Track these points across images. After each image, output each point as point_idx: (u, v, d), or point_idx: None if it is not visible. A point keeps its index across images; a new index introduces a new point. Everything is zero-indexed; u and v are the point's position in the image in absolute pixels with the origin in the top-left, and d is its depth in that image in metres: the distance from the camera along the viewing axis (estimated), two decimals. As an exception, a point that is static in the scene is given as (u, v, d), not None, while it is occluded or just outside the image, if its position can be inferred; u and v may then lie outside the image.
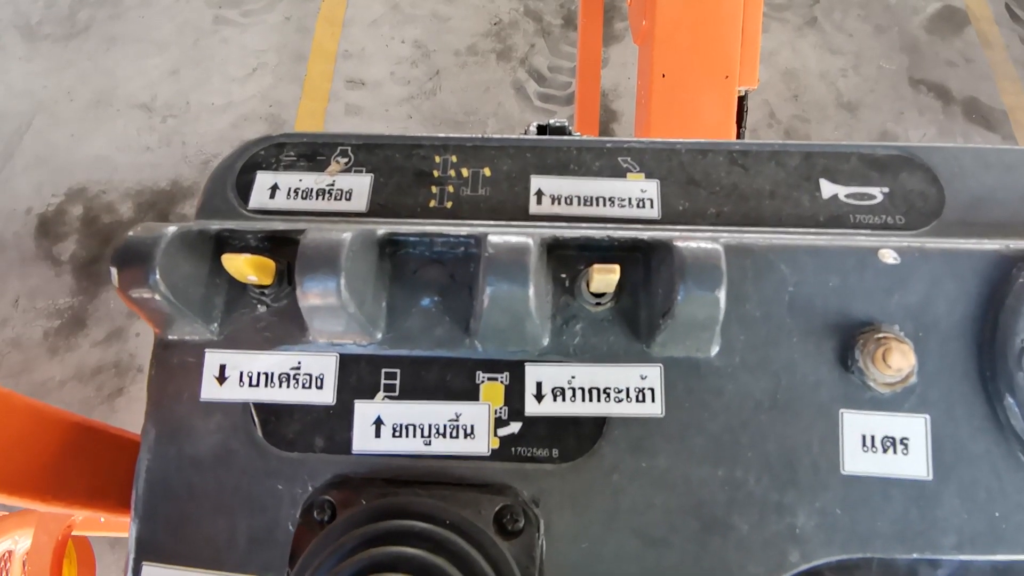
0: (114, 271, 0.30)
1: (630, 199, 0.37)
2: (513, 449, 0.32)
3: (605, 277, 0.29)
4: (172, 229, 0.31)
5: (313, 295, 0.30)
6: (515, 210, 0.37)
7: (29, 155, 2.54)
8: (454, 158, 0.38)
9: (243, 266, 0.30)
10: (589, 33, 1.73)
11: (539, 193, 0.37)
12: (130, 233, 0.31)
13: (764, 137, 2.32)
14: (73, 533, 0.99)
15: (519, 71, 2.57)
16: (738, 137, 0.90)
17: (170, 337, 0.34)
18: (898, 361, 0.30)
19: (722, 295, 0.29)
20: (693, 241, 0.30)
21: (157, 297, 0.30)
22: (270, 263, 0.32)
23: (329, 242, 0.30)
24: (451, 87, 2.54)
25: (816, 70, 2.58)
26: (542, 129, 0.44)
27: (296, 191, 0.37)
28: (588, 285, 0.32)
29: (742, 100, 0.93)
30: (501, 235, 0.30)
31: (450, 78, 2.56)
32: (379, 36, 2.72)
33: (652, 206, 0.36)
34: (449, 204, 0.37)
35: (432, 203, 0.37)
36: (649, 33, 0.83)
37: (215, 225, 0.33)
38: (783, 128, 2.41)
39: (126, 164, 2.48)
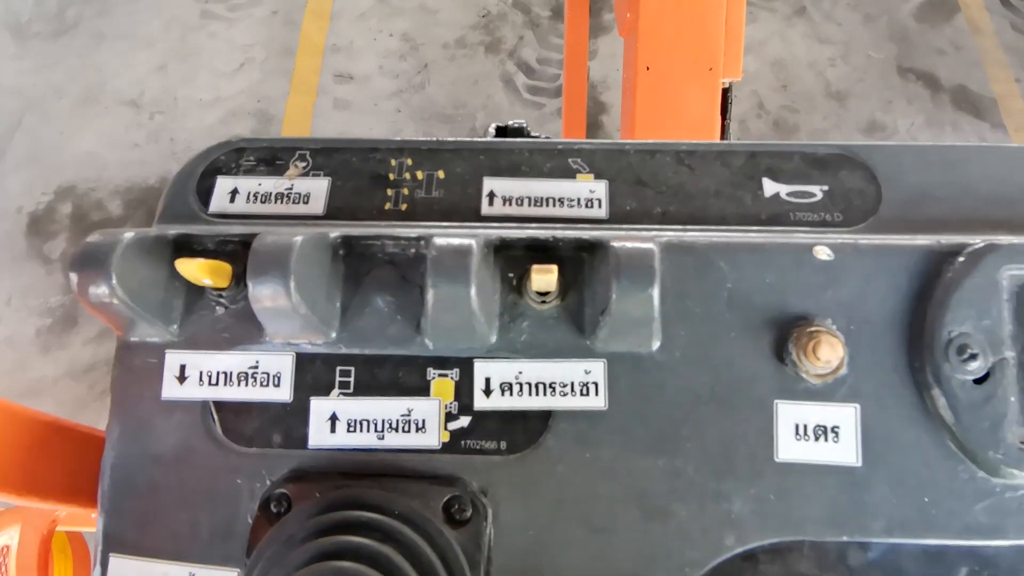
0: (73, 276, 0.31)
1: (579, 199, 0.38)
2: (463, 442, 0.34)
3: (544, 277, 0.31)
4: (129, 235, 0.32)
5: (264, 298, 0.31)
6: (467, 211, 0.38)
7: (19, 153, 2.53)
8: (409, 161, 0.39)
9: (196, 271, 0.31)
10: (576, 25, 1.73)
11: (491, 195, 0.38)
12: (87, 239, 0.32)
13: (753, 128, 2.33)
14: (62, 528, 1.00)
15: (508, 63, 2.56)
16: (723, 129, 0.90)
17: (131, 339, 0.35)
18: (827, 353, 0.32)
19: (655, 293, 0.31)
20: (629, 241, 0.31)
21: (115, 301, 0.32)
22: (226, 267, 0.33)
23: (279, 245, 0.31)
24: (440, 80, 2.53)
25: (805, 60, 2.59)
26: (501, 131, 0.45)
27: (255, 195, 0.38)
28: (530, 283, 0.33)
29: (727, 92, 0.94)
30: (445, 237, 0.32)
31: (439, 71, 2.56)
32: (367, 30, 2.71)
33: (600, 206, 0.38)
34: (404, 207, 0.38)
35: (388, 205, 0.38)
36: (633, 26, 0.84)
37: (172, 230, 0.35)
38: (772, 119, 2.42)
39: (115, 161, 2.48)
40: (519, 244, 0.34)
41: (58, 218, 2.43)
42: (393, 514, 0.30)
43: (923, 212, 0.37)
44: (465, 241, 0.31)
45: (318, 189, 0.39)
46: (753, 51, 2.53)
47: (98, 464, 0.35)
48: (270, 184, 0.39)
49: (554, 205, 0.38)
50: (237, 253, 0.34)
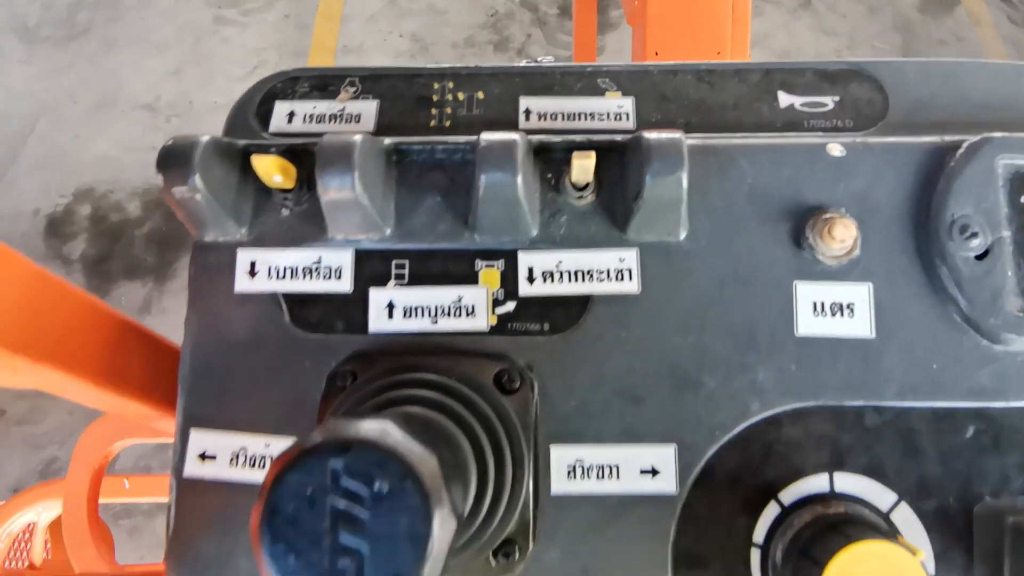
0: (160, 174, 0.35)
1: (608, 113, 0.41)
2: (509, 324, 0.37)
3: (583, 163, 0.34)
4: (206, 138, 0.36)
5: (332, 190, 0.35)
6: (506, 126, 0.41)
7: (34, 157, 2.57)
8: (451, 84, 0.43)
9: (270, 166, 0.35)
10: (584, 21, 1.77)
11: (527, 111, 0.42)
12: (168, 142, 0.35)
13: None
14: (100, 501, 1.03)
15: (516, 62, 2.60)
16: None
17: (206, 239, 0.38)
18: (841, 233, 0.35)
19: (684, 176, 0.34)
20: (659, 132, 0.35)
21: (197, 197, 0.35)
22: (292, 168, 0.37)
23: (344, 142, 0.35)
24: (449, 78, 2.56)
25: (811, 52, 2.62)
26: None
27: (311, 116, 0.42)
28: (570, 176, 0.36)
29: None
30: (493, 134, 0.35)
31: (448, 70, 2.58)
32: (377, 31, 2.76)
33: (628, 119, 0.41)
34: (447, 124, 0.42)
35: (432, 123, 0.42)
36: (641, 12, 0.87)
37: (242, 141, 0.38)
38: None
39: (132, 164, 2.52)
40: (557, 147, 0.38)
41: (76, 220, 2.48)
42: (451, 376, 0.33)
43: (926, 118, 0.41)
44: (511, 135, 0.35)
45: (368, 110, 0.42)
46: (759, 44, 2.57)
47: (171, 370, 0.39)
48: (324, 107, 0.42)
49: (586, 119, 0.41)
50: (301, 159, 0.38)
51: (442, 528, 0.21)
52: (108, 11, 2.90)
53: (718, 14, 0.86)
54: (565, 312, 0.37)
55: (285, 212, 0.38)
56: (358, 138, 0.35)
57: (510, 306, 0.37)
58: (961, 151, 0.36)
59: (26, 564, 1.34)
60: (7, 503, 1.31)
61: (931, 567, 0.34)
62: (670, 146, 0.34)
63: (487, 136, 0.35)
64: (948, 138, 0.38)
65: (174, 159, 0.35)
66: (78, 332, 0.37)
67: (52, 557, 1.33)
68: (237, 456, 0.36)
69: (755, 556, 0.35)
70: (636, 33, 0.92)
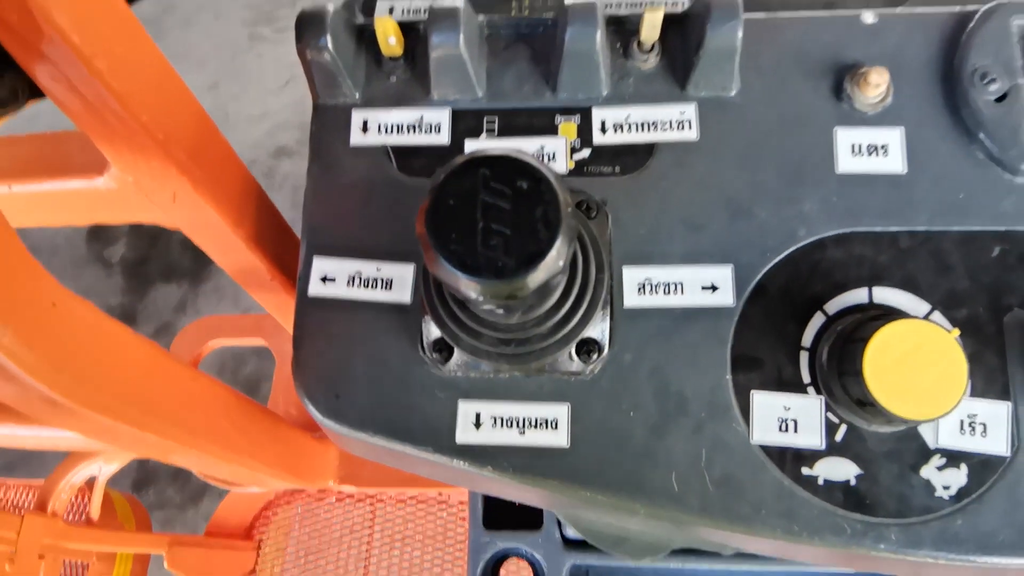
0: (296, 34, 0.42)
1: (667, 1, 0.48)
2: (585, 168, 0.43)
3: (653, 16, 0.40)
4: (333, 6, 0.43)
5: (439, 46, 0.41)
6: (577, 14, 0.48)
7: (84, 162, 2.69)
8: (528, -17, 0.50)
9: (388, 28, 0.42)
10: None
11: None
12: (304, 8, 0.42)
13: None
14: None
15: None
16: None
17: (326, 102, 0.45)
18: (876, 78, 0.41)
19: (739, 26, 0.40)
20: (716, -6, 0.41)
21: (326, 56, 0.42)
22: (402, 37, 0.44)
23: (451, 6, 0.41)
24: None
25: None
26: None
27: (409, 10, 0.49)
28: (639, 37, 0.42)
29: None
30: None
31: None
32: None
33: (684, 5, 0.47)
34: (526, 12, 0.48)
35: (513, 13, 0.49)
36: None
37: (358, 19, 0.45)
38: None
39: (174, 168, 2.62)
40: (627, 18, 0.44)
41: (117, 224, 2.59)
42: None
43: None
44: (591, 1, 0.41)
45: (458, 2, 0.49)
46: None
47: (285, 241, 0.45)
48: (420, 2, 0.49)
49: (648, 4, 0.48)
50: (407, 34, 0.45)
51: (568, 219, 0.27)
52: (152, 29, 3.04)
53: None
54: (633, 157, 0.43)
55: (393, 79, 0.45)
56: (462, 3, 0.42)
57: (585, 152, 0.43)
58: (979, 14, 0.42)
59: (84, 518, 1.40)
60: (71, 456, 1.38)
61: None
62: (727, 1, 0.40)
63: (571, 0, 0.41)
64: (970, 7, 0.43)
65: (310, 22, 0.42)
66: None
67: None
68: (353, 278, 0.43)
69: (803, 357, 0.40)
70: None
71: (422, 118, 0.45)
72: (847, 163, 0.42)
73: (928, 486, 0.38)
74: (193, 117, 0.40)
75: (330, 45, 0.42)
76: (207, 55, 2.93)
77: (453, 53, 0.42)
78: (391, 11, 0.49)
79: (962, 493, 0.38)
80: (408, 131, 0.45)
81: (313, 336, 0.43)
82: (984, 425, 0.38)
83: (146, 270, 2.52)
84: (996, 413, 0.38)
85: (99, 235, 2.59)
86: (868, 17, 0.43)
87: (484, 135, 0.44)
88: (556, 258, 0.27)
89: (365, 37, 0.45)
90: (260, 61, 2.90)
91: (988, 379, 0.39)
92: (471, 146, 0.44)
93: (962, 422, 0.39)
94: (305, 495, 1.21)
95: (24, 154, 0.41)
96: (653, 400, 0.40)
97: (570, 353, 0.40)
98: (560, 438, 0.40)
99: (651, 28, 0.41)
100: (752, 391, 0.40)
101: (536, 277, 0.27)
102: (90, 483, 1.40)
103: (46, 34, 0.29)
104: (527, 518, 0.77)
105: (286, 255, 0.53)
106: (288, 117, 2.75)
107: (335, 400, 0.41)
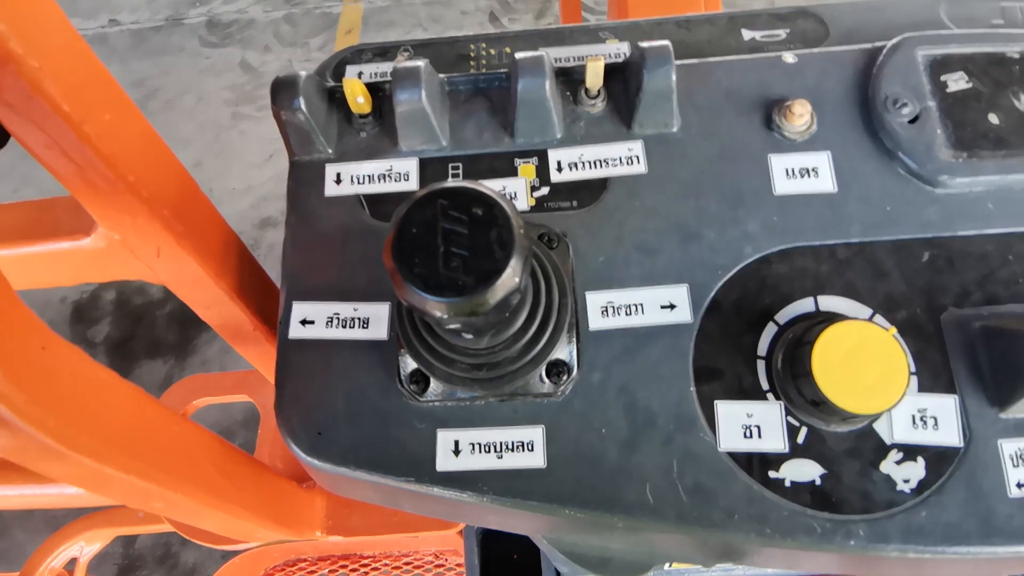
0: (272, 96, 0.46)
1: (609, 53, 0.52)
2: (545, 204, 0.46)
3: (595, 65, 0.45)
4: (304, 73, 0.47)
5: (404, 102, 0.45)
6: (530, 69, 0.52)
7: (67, 244, 2.72)
8: (484, 44, 0.55)
9: (356, 89, 0.46)
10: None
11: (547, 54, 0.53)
12: (277, 76, 0.46)
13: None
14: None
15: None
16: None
17: (301, 158, 0.49)
18: (799, 109, 0.45)
19: (672, 70, 0.44)
20: (651, 43, 0.46)
21: (300, 116, 0.46)
22: (370, 96, 0.48)
23: (413, 66, 0.46)
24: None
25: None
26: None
27: (376, 73, 0.53)
28: (585, 85, 0.47)
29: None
30: (526, 53, 0.46)
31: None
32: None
33: (624, 56, 0.52)
34: (483, 71, 0.53)
35: (472, 69, 0.53)
36: None
37: (329, 83, 0.49)
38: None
39: (159, 244, 2.65)
40: (573, 69, 0.48)
41: (102, 304, 2.60)
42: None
43: (859, 40, 0.51)
44: (540, 53, 0.46)
45: (421, 63, 0.53)
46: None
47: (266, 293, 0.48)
48: (386, 67, 0.54)
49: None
50: (374, 94, 0.49)
51: (520, 239, 0.30)
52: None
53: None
54: (589, 192, 0.47)
55: (363, 134, 0.49)
56: (423, 63, 0.46)
57: (544, 190, 0.47)
58: (887, 48, 0.47)
59: (66, 601, 1.34)
60: (52, 537, 1.34)
61: (911, 363, 0.42)
62: (660, 48, 0.45)
63: (521, 54, 0.46)
64: (879, 44, 0.49)
65: (284, 86, 0.45)
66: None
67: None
68: (332, 320, 0.45)
69: (760, 365, 0.42)
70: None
71: (392, 168, 0.48)
72: (783, 185, 0.46)
73: (889, 481, 0.40)
74: (176, 176, 0.43)
75: (303, 106, 0.46)
76: (191, 135, 3.02)
77: (417, 108, 0.46)
78: (359, 76, 0.54)
79: (922, 485, 0.40)
80: (379, 180, 0.48)
81: (295, 377, 0.44)
82: (935, 419, 0.41)
83: (130, 348, 2.50)
84: (944, 406, 0.41)
85: (83, 316, 2.58)
86: (789, 57, 0.48)
87: (450, 180, 0.48)
88: (512, 275, 0.29)
89: (336, 98, 0.49)
90: (243, 138, 2.99)
91: (934, 375, 0.41)
92: (438, 190, 0.47)
93: (914, 417, 0.41)
94: (296, 568, 1.17)
95: (13, 220, 0.44)
96: (623, 416, 0.42)
97: (540, 375, 0.42)
98: (537, 459, 0.41)
99: (595, 76, 0.46)
100: (716, 401, 0.42)
101: (495, 293, 0.29)
102: (70, 568, 1.35)
103: (37, 103, 0.32)
104: (526, 572, 0.77)
105: (267, 306, 0.55)
106: (272, 189, 2.81)
107: (317, 437, 0.43)
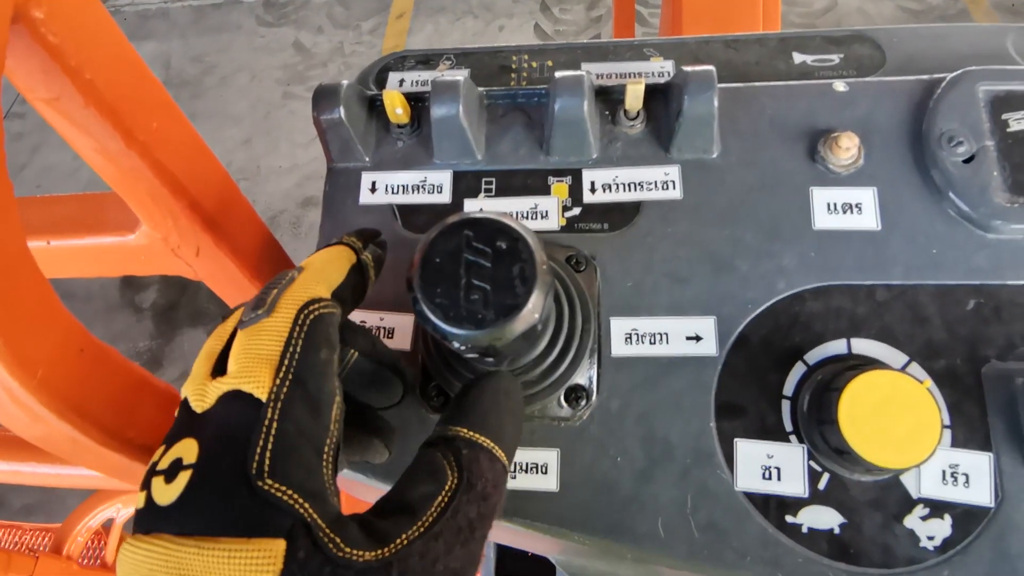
0: (314, 104, 0.46)
1: (652, 72, 0.51)
2: (576, 225, 0.46)
3: (635, 88, 0.44)
4: (346, 82, 0.47)
5: (441, 115, 0.45)
6: (571, 84, 0.52)
7: (124, 214, 2.84)
8: (526, 56, 0.54)
9: (395, 100, 0.46)
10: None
11: (588, 72, 0.52)
12: (320, 84, 0.47)
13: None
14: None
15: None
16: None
17: (338, 165, 0.49)
18: (846, 143, 0.43)
19: (715, 95, 0.43)
20: (694, 67, 0.44)
21: (340, 125, 0.46)
22: (409, 106, 0.48)
23: (452, 80, 0.46)
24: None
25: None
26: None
27: (417, 82, 0.54)
28: (624, 106, 0.46)
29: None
30: (566, 72, 0.46)
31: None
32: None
33: (668, 75, 0.51)
34: (524, 84, 0.53)
35: (512, 84, 0.53)
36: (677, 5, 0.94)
37: (371, 90, 0.50)
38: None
39: (207, 219, 2.75)
40: (613, 88, 0.48)
41: (146, 275, 2.70)
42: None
43: (917, 70, 0.49)
44: (580, 72, 0.45)
45: (461, 76, 0.53)
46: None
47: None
48: (427, 75, 0.54)
49: (634, 76, 0.51)
50: (413, 105, 0.49)
51: (543, 275, 0.30)
52: (192, 88, 3.25)
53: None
54: (621, 214, 0.46)
55: (400, 144, 0.49)
56: (462, 77, 0.46)
57: (576, 211, 0.46)
58: (946, 81, 0.45)
59: (99, 562, 1.41)
60: (90, 499, 1.40)
61: (946, 416, 0.40)
62: (703, 73, 0.43)
63: (561, 73, 0.45)
64: (936, 76, 0.46)
65: (326, 95, 0.46)
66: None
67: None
68: (358, 327, 0.46)
69: (785, 406, 0.41)
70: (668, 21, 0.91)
71: (426, 179, 0.48)
72: (823, 220, 0.44)
73: (912, 536, 0.39)
74: (218, 181, 0.44)
75: (343, 115, 0.46)
76: (242, 113, 3.10)
77: (453, 122, 0.46)
78: (401, 83, 0.54)
79: (947, 544, 0.38)
80: (413, 191, 0.48)
81: (319, 381, 0.45)
82: (967, 475, 0.39)
83: (175, 315, 2.61)
84: (978, 464, 0.39)
85: (131, 282, 2.69)
86: (840, 85, 0.47)
87: (482, 195, 0.48)
88: (532, 311, 0.29)
89: (376, 107, 0.50)
90: (292, 118, 3.06)
91: (969, 430, 0.40)
92: (470, 205, 0.47)
93: (944, 472, 0.39)
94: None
95: (63, 213, 0.46)
96: (639, 446, 0.41)
97: (559, 399, 0.42)
98: (550, 482, 0.41)
99: (635, 98, 0.45)
100: (736, 439, 0.41)
101: (513, 328, 0.29)
102: (107, 527, 1.42)
103: (90, 113, 0.33)
104: (540, 569, 0.77)
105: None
106: (316, 168, 2.87)
107: (337, 443, 0.44)
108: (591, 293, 0.43)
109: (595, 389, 0.42)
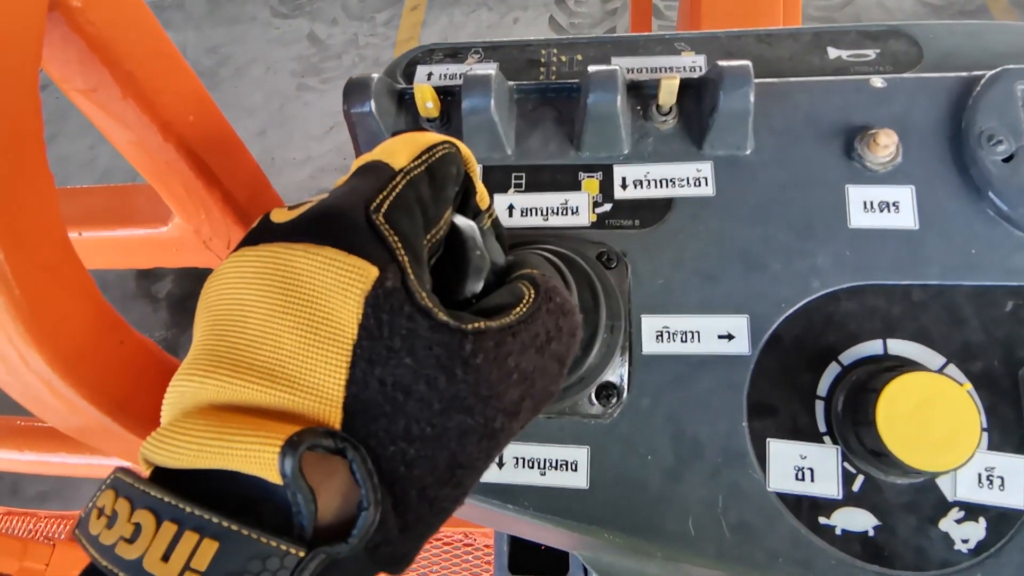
0: (344, 99, 0.46)
1: (684, 66, 0.51)
2: (607, 221, 0.46)
3: (669, 84, 0.43)
4: (376, 75, 0.47)
5: (472, 110, 0.45)
6: (601, 78, 0.51)
7: (141, 205, 2.86)
8: (555, 50, 0.54)
9: (425, 93, 0.46)
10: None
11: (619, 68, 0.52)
12: (351, 77, 0.47)
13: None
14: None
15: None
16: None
17: (367, 159, 0.49)
18: (885, 140, 0.43)
19: (751, 91, 0.43)
20: (730, 61, 0.44)
21: (370, 118, 0.46)
22: (438, 101, 0.48)
23: (484, 74, 0.45)
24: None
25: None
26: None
27: (445, 75, 0.53)
28: (657, 101, 0.45)
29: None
30: (599, 67, 0.45)
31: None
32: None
33: (700, 70, 0.51)
34: (553, 78, 0.52)
35: (540, 78, 0.52)
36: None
37: (399, 84, 0.50)
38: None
39: (221, 208, 2.76)
40: (646, 83, 0.47)
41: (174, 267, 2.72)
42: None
43: (955, 66, 0.48)
44: (613, 67, 0.45)
45: (490, 70, 0.53)
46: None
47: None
48: (456, 68, 0.54)
49: (666, 71, 0.51)
50: (444, 97, 0.49)
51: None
52: (207, 80, 3.26)
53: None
54: (652, 211, 0.46)
55: (428, 138, 0.49)
56: (493, 71, 0.46)
57: (607, 207, 0.46)
58: (985, 79, 0.44)
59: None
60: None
61: (983, 419, 0.39)
62: (740, 68, 0.43)
63: (595, 68, 0.45)
64: (976, 73, 0.45)
65: (357, 88, 0.46)
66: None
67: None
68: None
69: (819, 406, 0.41)
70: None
71: (455, 174, 0.48)
72: (859, 219, 0.43)
73: (947, 539, 0.38)
74: (250, 175, 0.44)
75: (373, 109, 0.46)
76: (257, 104, 3.11)
77: (485, 116, 0.45)
78: (429, 76, 0.54)
79: (981, 547, 0.38)
80: (442, 186, 0.48)
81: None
82: (1002, 478, 0.39)
83: (190, 305, 2.63)
84: (1014, 466, 0.39)
85: (147, 272, 2.71)
86: (877, 81, 0.46)
87: (512, 190, 0.47)
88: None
89: (405, 100, 0.50)
90: (306, 109, 3.06)
91: (1005, 432, 0.39)
92: (500, 200, 0.47)
93: (980, 475, 0.39)
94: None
95: (95, 204, 0.46)
96: (670, 445, 0.41)
97: (590, 396, 0.42)
98: (580, 479, 0.41)
99: (668, 93, 0.44)
100: (768, 439, 0.41)
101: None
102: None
103: (129, 106, 0.33)
104: (553, 562, 0.77)
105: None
106: (330, 161, 2.88)
107: (367, 436, 0.44)
108: (622, 290, 0.43)
109: (626, 387, 0.42)
